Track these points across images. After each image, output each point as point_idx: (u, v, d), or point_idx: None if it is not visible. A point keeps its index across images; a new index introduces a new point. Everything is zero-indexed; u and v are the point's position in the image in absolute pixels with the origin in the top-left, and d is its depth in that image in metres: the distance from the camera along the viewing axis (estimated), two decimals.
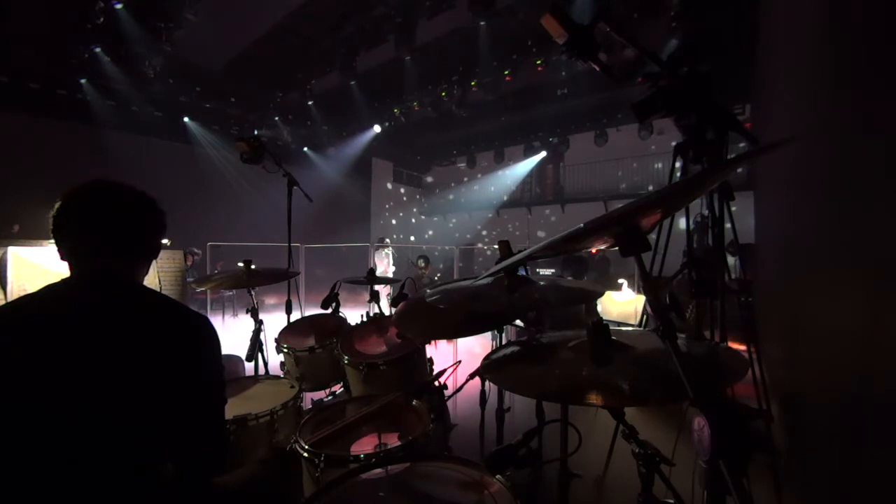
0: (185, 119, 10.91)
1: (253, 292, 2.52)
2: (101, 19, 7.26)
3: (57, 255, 1.02)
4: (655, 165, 11.66)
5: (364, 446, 1.43)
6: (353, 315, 2.92)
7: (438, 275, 11.62)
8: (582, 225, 0.64)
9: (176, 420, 0.96)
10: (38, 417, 0.85)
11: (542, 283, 1.42)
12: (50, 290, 0.96)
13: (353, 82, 10.25)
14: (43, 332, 0.90)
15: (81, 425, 0.86)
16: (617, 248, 0.73)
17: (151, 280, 5.38)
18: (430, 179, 17.79)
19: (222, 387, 1.08)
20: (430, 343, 2.53)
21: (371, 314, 2.85)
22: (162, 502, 0.95)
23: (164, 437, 0.95)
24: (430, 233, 17.13)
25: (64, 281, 0.99)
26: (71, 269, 1.00)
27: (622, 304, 5.74)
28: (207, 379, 1.04)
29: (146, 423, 0.93)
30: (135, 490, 0.91)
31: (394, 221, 16.40)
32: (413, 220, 17.17)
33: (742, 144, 1.40)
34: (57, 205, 0.98)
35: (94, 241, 0.99)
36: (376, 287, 3.12)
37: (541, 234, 14.18)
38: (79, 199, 1.00)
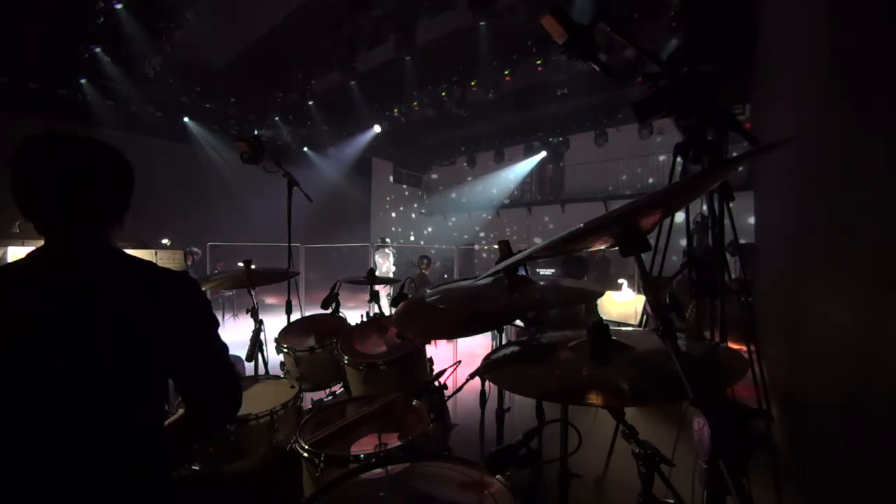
0: (185, 119, 10.91)
1: (253, 292, 2.52)
2: (101, 19, 7.26)
3: None
4: (659, 158, 11.64)
5: (364, 446, 1.43)
6: (353, 315, 2.92)
7: (445, 275, 11.60)
8: (582, 225, 0.64)
9: (179, 373, 0.99)
10: (28, 388, 0.84)
11: (542, 283, 1.43)
12: (28, 259, 0.92)
13: (353, 82, 10.26)
14: (24, 302, 0.88)
15: (72, 393, 0.86)
16: (617, 248, 0.73)
17: None
18: (434, 176, 17.77)
19: (220, 341, 1.06)
20: (430, 343, 2.53)
21: (371, 314, 2.85)
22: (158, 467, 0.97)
23: (159, 398, 0.97)
24: (430, 229, 17.14)
25: (40, 249, 0.93)
26: (41, 233, 0.93)
27: (622, 304, 5.73)
28: (198, 329, 1.02)
29: (142, 384, 0.93)
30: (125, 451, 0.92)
31: (393, 214, 16.40)
32: (413, 221, 17.18)
33: (744, 144, 1.40)
34: (12, 166, 0.88)
35: (62, 204, 0.91)
36: (376, 287, 3.12)
37: (537, 240, 14.17)
38: (38, 158, 0.90)
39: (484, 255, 14.82)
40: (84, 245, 0.95)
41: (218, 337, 1.05)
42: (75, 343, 0.87)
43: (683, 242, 2.76)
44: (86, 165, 0.94)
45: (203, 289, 1.11)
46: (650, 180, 12.08)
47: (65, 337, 0.86)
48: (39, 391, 0.84)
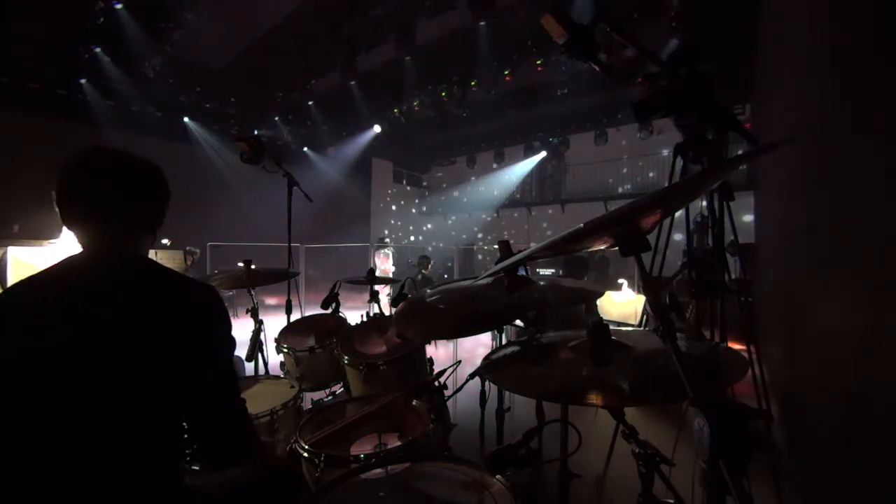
0: (185, 119, 10.90)
1: (253, 292, 2.52)
2: (101, 19, 7.26)
3: (55, 256, 1.01)
4: (662, 153, 11.62)
5: (364, 446, 1.43)
6: (353, 315, 2.92)
7: (445, 275, 11.57)
8: (582, 225, 0.64)
9: (198, 394, 0.98)
10: (42, 397, 0.85)
11: (542, 283, 1.42)
12: (59, 267, 0.94)
13: (353, 82, 10.26)
14: (47, 309, 0.89)
15: (85, 402, 0.86)
16: (617, 248, 0.73)
17: None
18: (440, 174, 17.72)
19: (233, 373, 1.09)
20: (430, 343, 2.53)
21: (371, 314, 2.85)
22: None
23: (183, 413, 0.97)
24: (429, 226, 17.10)
25: (77, 257, 0.96)
26: (81, 242, 0.97)
27: (622, 304, 5.73)
28: (223, 350, 1.05)
29: (170, 401, 0.94)
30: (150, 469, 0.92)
31: (394, 207, 16.33)
32: (412, 220, 17.17)
33: (744, 144, 1.40)
34: (61, 177, 0.94)
35: (105, 216, 0.97)
36: (376, 287, 3.12)
37: (533, 244, 14.03)
38: (84, 170, 0.97)
39: (479, 257, 14.76)
40: (115, 254, 0.98)
41: (232, 369, 1.06)
42: (92, 350, 0.87)
43: (678, 237, 2.75)
44: (123, 178, 0.99)
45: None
46: (651, 174, 12.09)
47: (81, 344, 0.87)
48: (53, 400, 0.85)
